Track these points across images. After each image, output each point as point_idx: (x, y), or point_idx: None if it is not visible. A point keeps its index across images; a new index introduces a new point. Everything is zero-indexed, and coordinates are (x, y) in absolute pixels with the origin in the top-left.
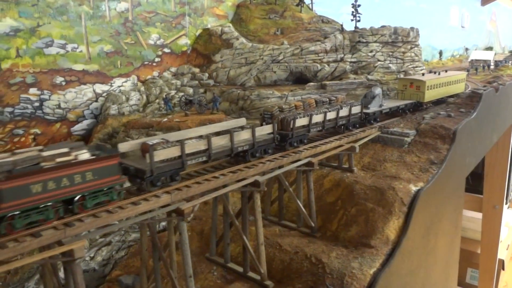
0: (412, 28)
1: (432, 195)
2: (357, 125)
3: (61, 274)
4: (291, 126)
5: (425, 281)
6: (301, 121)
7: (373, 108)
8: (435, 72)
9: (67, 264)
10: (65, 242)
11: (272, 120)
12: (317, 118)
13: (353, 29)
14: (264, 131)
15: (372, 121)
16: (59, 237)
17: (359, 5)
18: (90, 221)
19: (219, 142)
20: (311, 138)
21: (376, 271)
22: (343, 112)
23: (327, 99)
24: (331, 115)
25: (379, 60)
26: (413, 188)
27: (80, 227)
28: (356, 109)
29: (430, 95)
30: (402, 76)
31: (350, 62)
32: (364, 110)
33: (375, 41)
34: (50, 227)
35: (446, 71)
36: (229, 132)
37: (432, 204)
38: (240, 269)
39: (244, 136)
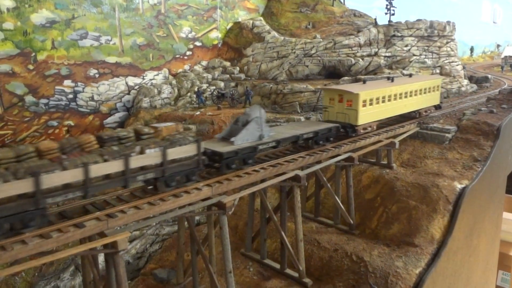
0: (448, 22)
1: (476, 193)
2: (193, 178)
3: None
4: None
5: (467, 282)
6: None
7: (239, 142)
8: (388, 78)
9: (109, 256)
10: (108, 233)
11: None
12: (60, 177)
13: (386, 23)
14: None
15: (233, 166)
16: (102, 228)
17: None
18: (132, 212)
19: None
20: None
21: (422, 271)
22: (144, 159)
23: (132, 134)
24: (103, 168)
25: (414, 55)
26: (458, 185)
27: (122, 219)
28: (182, 151)
29: (368, 115)
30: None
31: (385, 56)
32: (215, 149)
33: (410, 35)
34: (92, 217)
35: (410, 75)
36: None
37: (476, 203)
38: (277, 266)
39: None
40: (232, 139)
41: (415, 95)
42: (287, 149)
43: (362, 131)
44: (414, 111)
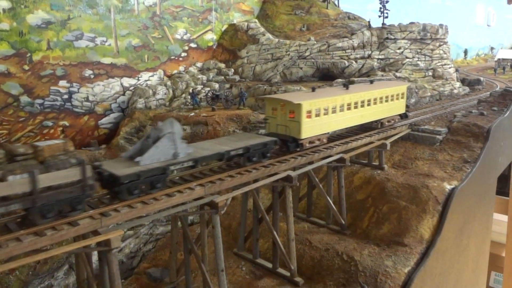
0: (441, 25)
1: (466, 194)
2: (79, 207)
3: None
4: None
5: (456, 282)
6: None
7: (146, 162)
8: (344, 85)
9: (103, 254)
10: (102, 231)
11: None
12: None
13: (380, 25)
14: None
15: (135, 192)
16: (95, 227)
17: (387, 1)
18: (126, 211)
19: None
20: None
21: (411, 270)
22: (4, 188)
23: (2, 155)
24: None
25: (407, 57)
26: (447, 186)
27: (116, 217)
28: (60, 177)
29: (314, 127)
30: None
31: (378, 59)
32: (113, 171)
33: (403, 38)
34: (86, 216)
35: (371, 81)
36: None
37: (465, 203)
38: (269, 265)
39: None
40: (137, 158)
41: (375, 103)
42: (210, 168)
43: (308, 145)
44: (375, 121)
